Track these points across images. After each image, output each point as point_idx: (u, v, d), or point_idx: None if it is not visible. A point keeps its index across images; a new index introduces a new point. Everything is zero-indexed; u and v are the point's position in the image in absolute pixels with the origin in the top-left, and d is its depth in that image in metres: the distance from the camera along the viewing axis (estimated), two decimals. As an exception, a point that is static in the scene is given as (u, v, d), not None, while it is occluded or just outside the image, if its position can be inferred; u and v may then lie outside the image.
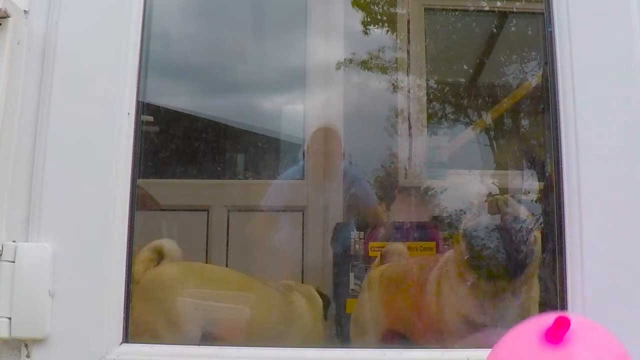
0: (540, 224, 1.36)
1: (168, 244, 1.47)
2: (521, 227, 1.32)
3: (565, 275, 0.95)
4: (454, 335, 1.32)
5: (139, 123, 1.01)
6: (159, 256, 1.43)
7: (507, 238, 1.31)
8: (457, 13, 2.57)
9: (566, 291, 0.95)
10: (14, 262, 0.91)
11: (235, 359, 0.95)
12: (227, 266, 2.25)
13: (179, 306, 1.32)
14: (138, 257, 1.36)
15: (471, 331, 1.28)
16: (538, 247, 1.31)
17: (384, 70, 2.66)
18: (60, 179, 0.94)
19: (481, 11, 2.45)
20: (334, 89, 2.59)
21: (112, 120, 0.97)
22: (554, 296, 0.99)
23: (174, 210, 2.40)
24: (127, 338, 0.95)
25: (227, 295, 1.45)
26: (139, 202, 1.05)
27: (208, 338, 1.21)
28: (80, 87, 0.97)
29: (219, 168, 2.71)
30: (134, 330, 0.98)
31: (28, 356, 0.90)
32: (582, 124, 0.97)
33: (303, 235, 2.38)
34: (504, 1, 2.26)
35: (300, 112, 2.66)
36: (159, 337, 1.20)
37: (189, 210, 2.51)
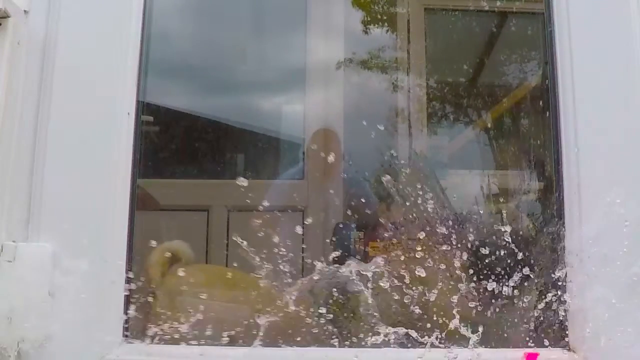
0: (541, 223, 1.36)
1: (181, 246, 1.47)
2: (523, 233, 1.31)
3: (566, 277, 0.96)
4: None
5: (139, 123, 1.01)
6: (173, 258, 1.42)
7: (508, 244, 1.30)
8: (457, 13, 2.57)
9: (568, 298, 0.95)
10: (14, 262, 0.91)
11: (236, 359, 0.95)
12: (227, 266, 2.24)
13: (221, 309, 1.30)
14: (151, 260, 1.35)
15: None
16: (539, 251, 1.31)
17: (384, 70, 2.66)
18: (60, 179, 0.94)
19: (481, 11, 2.45)
20: (334, 89, 2.59)
21: (112, 120, 0.97)
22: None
23: (174, 210, 2.39)
24: (127, 338, 0.95)
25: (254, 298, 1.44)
26: (139, 202, 1.05)
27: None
28: (80, 87, 0.97)
29: (219, 168, 2.71)
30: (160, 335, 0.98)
31: (28, 356, 0.90)
32: (582, 123, 0.97)
33: (303, 235, 2.37)
34: (504, 1, 2.26)
35: (300, 112, 2.66)
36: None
37: (189, 210, 2.51)
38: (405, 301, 1.03)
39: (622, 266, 0.92)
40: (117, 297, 0.94)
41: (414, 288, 1.05)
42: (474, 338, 0.94)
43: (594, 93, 0.97)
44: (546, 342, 0.95)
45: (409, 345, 0.96)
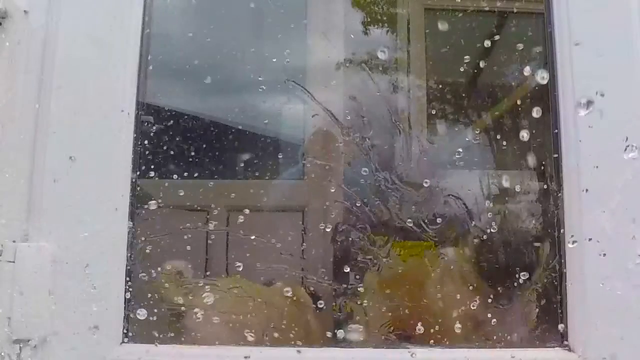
0: (541, 223, 1.35)
1: (184, 266, 1.49)
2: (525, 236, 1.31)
3: (564, 277, 0.96)
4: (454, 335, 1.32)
5: (139, 123, 1.01)
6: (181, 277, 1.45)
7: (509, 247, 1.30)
8: (457, 13, 2.57)
9: (566, 297, 0.95)
10: (14, 262, 0.91)
11: (236, 359, 0.95)
12: (227, 267, 2.24)
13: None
14: (166, 279, 1.36)
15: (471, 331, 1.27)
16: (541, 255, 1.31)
17: (384, 70, 2.65)
18: (60, 179, 0.95)
19: (481, 11, 2.45)
20: (334, 89, 2.59)
21: (112, 120, 0.97)
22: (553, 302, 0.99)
23: (173, 211, 2.38)
24: (127, 338, 0.95)
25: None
26: (139, 202, 1.05)
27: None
28: (80, 87, 0.97)
29: (219, 168, 2.70)
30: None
31: (28, 356, 0.90)
32: (582, 123, 0.97)
33: (303, 235, 2.37)
34: (504, 1, 2.26)
35: (300, 112, 2.66)
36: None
37: (189, 210, 2.50)
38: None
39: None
40: (117, 296, 0.94)
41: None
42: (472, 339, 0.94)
43: (593, 93, 0.97)
44: (545, 342, 0.95)
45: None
